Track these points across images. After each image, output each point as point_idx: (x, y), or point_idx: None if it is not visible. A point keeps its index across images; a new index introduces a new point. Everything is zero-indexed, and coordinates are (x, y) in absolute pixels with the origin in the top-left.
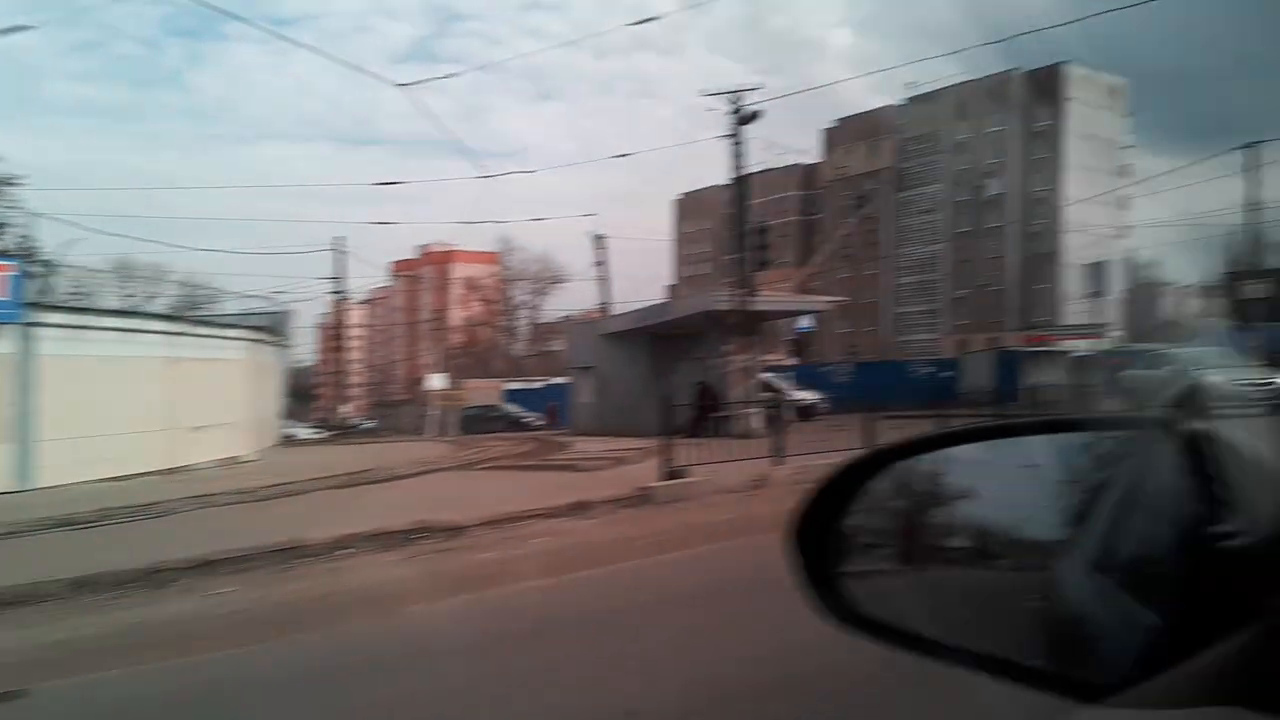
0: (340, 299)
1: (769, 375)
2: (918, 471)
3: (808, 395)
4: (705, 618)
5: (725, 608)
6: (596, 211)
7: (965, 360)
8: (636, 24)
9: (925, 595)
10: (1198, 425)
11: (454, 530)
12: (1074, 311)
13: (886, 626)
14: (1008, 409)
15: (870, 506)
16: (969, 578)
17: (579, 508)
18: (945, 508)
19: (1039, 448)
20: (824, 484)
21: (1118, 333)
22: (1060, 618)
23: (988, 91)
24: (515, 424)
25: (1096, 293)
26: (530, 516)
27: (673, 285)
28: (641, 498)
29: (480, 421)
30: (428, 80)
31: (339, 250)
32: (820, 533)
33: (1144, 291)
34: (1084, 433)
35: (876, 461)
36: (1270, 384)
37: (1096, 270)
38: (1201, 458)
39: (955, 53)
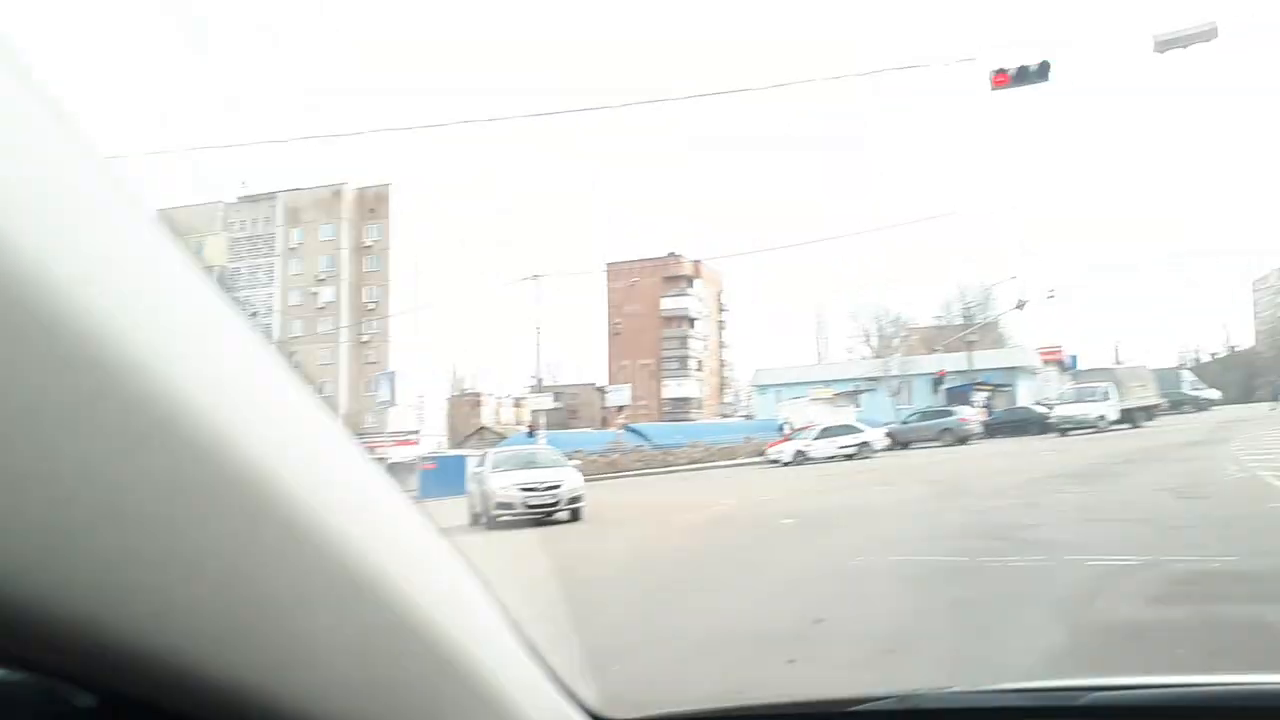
0: None
1: None
2: None
3: None
4: None
5: None
6: None
7: None
8: None
9: None
10: None
11: None
12: (396, 419)
13: None
14: None
15: None
16: None
17: None
18: None
19: None
20: None
21: (438, 439)
22: None
23: (317, 201)
24: None
25: (386, 401)
26: None
27: None
28: None
29: None
30: None
31: None
32: None
33: (461, 400)
34: None
35: None
36: (554, 485)
37: (388, 380)
38: None
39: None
